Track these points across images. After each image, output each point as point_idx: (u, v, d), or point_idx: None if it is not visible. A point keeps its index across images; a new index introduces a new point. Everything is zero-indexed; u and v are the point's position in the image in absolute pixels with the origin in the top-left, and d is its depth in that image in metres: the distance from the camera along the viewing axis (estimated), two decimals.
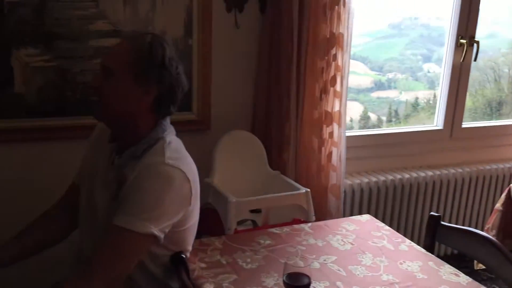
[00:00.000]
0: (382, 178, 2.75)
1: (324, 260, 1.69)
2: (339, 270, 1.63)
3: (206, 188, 2.12)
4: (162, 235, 1.35)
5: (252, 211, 2.27)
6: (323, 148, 2.46)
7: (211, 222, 2.06)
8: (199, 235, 1.61)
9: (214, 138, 2.29)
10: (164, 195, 1.35)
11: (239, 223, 2.13)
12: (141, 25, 2.12)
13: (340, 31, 2.34)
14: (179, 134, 1.53)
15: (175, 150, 1.45)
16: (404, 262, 1.69)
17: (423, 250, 1.78)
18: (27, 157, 2.10)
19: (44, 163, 2.12)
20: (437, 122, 3.01)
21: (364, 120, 2.98)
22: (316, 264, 1.64)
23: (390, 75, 3.09)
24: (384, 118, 3.05)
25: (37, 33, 2.00)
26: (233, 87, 2.41)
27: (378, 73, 3.05)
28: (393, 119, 3.06)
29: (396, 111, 3.08)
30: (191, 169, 1.45)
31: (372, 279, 1.58)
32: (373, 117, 3.03)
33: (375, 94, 3.07)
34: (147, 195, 1.34)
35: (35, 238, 1.54)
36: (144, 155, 1.41)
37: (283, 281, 1.39)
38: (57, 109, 2.10)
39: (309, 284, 1.38)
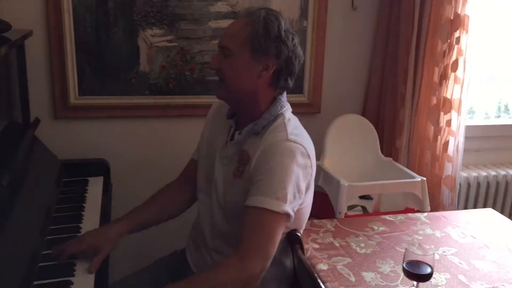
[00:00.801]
0: (502, 172, 2.56)
1: (444, 251, 1.61)
2: (460, 263, 1.54)
3: (317, 171, 2.10)
4: (293, 213, 1.36)
5: (361, 197, 2.22)
6: (439, 137, 2.33)
7: (320, 205, 2.03)
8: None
9: (324, 122, 2.26)
10: (291, 172, 1.35)
11: (348, 208, 2.10)
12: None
13: (466, 12, 2.19)
14: None
15: (295, 126, 1.45)
16: None
17: None
18: (150, 132, 2.22)
19: (165, 139, 2.24)
20: None
21: (469, 115, 2.76)
22: (435, 255, 1.56)
23: (502, 67, 2.81)
24: (492, 113, 2.80)
25: (162, 14, 2.10)
26: (346, 70, 2.36)
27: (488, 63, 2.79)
28: (502, 114, 2.80)
29: (506, 106, 2.81)
30: (310, 145, 1.44)
31: (498, 276, 1.47)
32: (478, 111, 2.79)
33: (482, 87, 2.81)
34: (276, 174, 1.34)
35: (157, 210, 1.61)
36: (265, 131, 1.42)
37: (403, 268, 1.34)
38: (176, 87, 2.19)
39: (431, 273, 1.32)
